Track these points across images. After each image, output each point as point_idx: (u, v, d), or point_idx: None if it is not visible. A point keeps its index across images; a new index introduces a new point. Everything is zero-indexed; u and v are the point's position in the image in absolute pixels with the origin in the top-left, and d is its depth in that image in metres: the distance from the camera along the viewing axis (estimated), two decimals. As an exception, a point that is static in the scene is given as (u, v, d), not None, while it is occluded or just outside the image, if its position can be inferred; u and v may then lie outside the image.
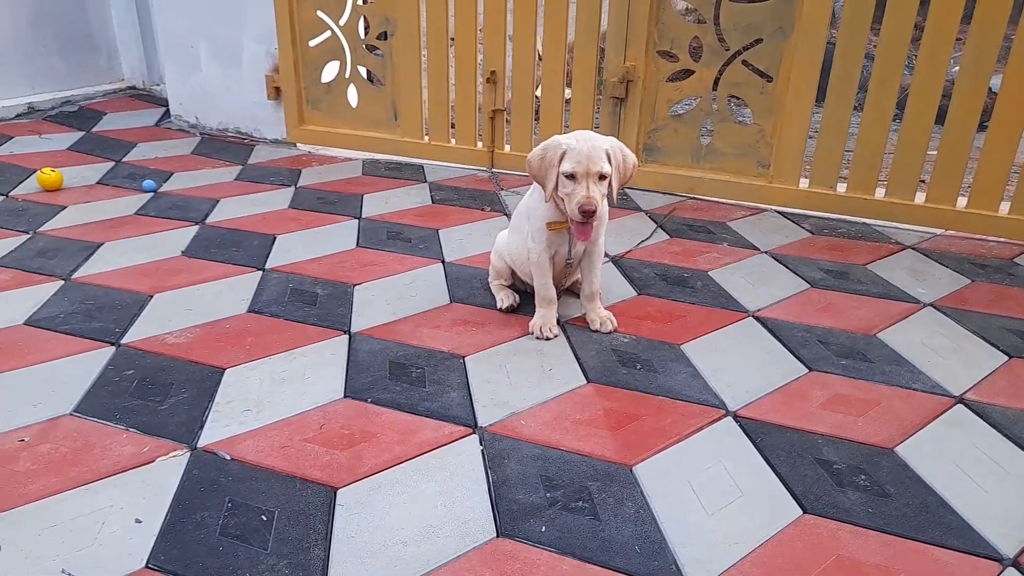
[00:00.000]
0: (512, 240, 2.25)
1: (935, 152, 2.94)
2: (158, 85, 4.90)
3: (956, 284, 2.52)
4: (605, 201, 2.06)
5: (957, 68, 2.81)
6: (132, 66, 5.03)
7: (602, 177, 1.94)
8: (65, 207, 3.11)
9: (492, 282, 2.36)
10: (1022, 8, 2.65)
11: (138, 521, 1.42)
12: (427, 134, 3.83)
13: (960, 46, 2.81)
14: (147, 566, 1.32)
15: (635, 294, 2.41)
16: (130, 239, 2.79)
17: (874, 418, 1.77)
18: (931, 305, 2.36)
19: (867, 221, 3.08)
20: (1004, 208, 2.90)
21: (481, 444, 1.66)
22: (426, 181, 3.58)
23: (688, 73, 3.25)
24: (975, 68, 2.77)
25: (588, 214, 1.91)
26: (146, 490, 1.50)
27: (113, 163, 3.75)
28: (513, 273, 2.31)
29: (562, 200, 1.98)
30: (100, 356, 1.99)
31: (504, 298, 2.28)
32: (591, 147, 1.93)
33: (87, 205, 3.15)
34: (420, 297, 2.36)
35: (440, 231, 2.92)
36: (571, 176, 1.92)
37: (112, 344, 2.05)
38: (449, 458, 1.61)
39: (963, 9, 2.74)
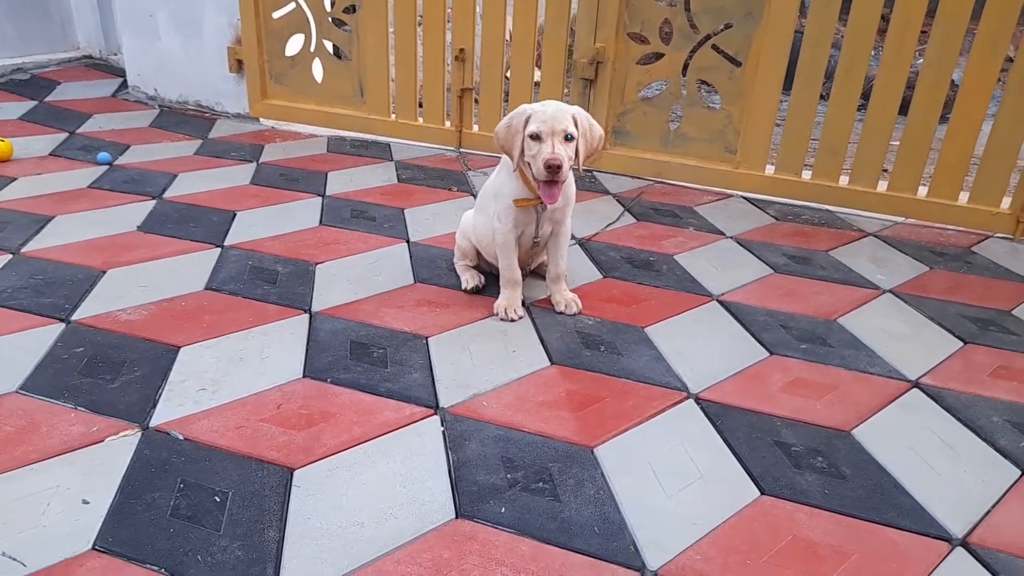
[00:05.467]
0: (478, 220, 2.22)
1: (898, 142, 2.99)
2: (115, 54, 4.72)
3: (915, 271, 2.57)
4: (572, 179, 2.04)
5: (921, 60, 2.85)
6: (88, 34, 4.84)
7: (568, 140, 1.92)
8: (15, 179, 2.99)
9: (457, 263, 2.34)
10: (984, 4, 2.69)
11: (85, 502, 1.38)
12: (394, 112, 3.76)
13: (925, 39, 2.85)
14: (94, 548, 1.28)
15: (601, 277, 2.41)
16: (83, 213, 2.69)
17: (832, 401, 1.79)
18: (890, 291, 2.40)
19: (831, 208, 3.12)
20: (963, 198, 2.95)
21: (442, 425, 1.64)
22: (392, 160, 3.52)
23: (658, 56, 3.23)
24: (938, 61, 2.80)
25: (554, 169, 1.88)
26: (94, 470, 1.45)
27: (67, 134, 3.61)
28: (479, 254, 2.28)
29: (529, 166, 1.96)
30: (49, 333, 1.92)
31: (469, 279, 2.25)
32: (556, 108, 1.93)
33: (38, 177, 3.03)
34: (384, 277, 2.32)
35: (406, 210, 2.88)
36: (536, 137, 1.91)
37: (62, 320, 1.97)
38: (409, 439, 1.59)
39: (928, 3, 2.77)
